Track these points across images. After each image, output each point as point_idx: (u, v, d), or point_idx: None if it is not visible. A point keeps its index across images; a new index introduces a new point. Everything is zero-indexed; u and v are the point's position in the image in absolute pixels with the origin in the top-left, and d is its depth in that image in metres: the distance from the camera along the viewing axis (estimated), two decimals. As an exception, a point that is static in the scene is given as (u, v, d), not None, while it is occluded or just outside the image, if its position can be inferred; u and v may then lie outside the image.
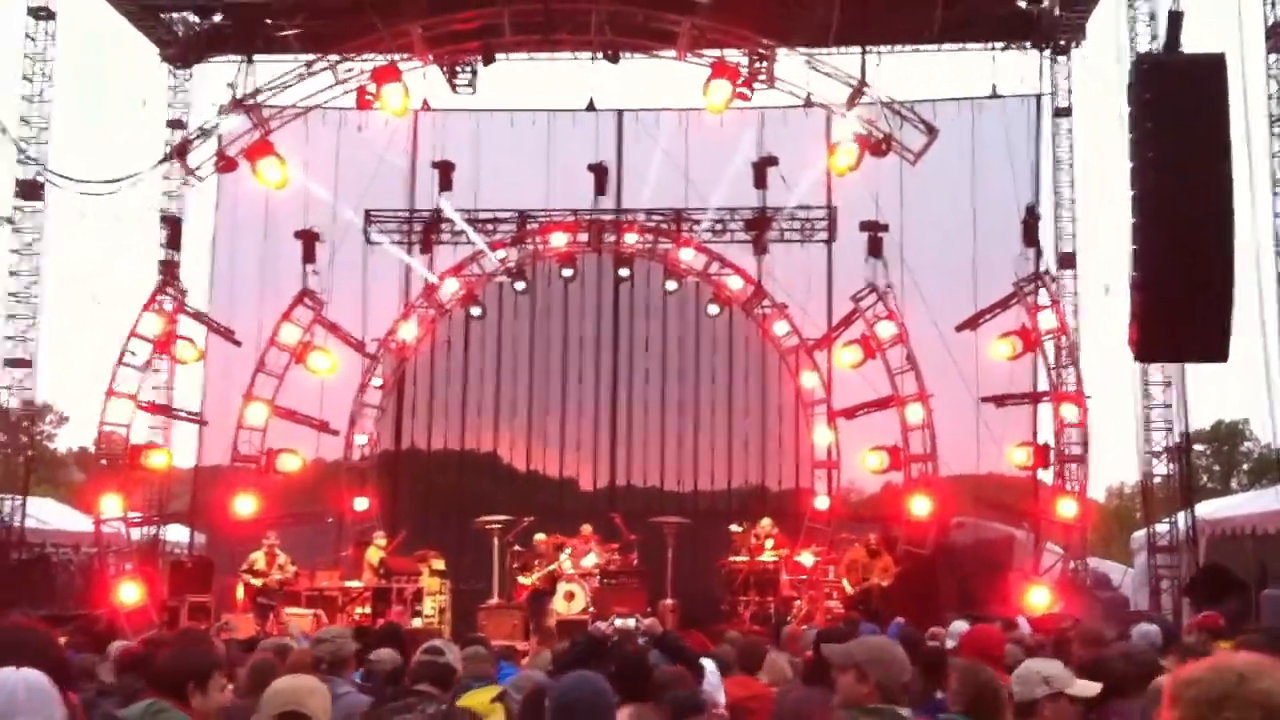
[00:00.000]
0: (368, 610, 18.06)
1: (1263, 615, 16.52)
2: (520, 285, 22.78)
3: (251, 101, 20.04)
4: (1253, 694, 1.96)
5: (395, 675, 6.74)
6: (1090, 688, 4.92)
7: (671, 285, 22.64)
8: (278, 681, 4.79)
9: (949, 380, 20.37)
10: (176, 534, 24.11)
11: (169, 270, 22.71)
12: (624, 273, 22.84)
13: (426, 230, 22.58)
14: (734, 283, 22.36)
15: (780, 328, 22.23)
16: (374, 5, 19.84)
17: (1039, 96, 22.61)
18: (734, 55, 19.42)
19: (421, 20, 19.40)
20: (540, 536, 19.12)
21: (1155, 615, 17.71)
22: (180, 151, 20.44)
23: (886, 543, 18.71)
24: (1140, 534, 23.75)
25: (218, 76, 23.01)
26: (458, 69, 21.50)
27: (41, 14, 21.79)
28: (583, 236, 22.60)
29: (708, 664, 7.65)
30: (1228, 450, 55.27)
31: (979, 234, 21.71)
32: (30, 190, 21.70)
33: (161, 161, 22.40)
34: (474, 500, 21.89)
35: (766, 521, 20.02)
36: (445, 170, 22.10)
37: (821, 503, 21.90)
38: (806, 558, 19.71)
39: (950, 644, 9.23)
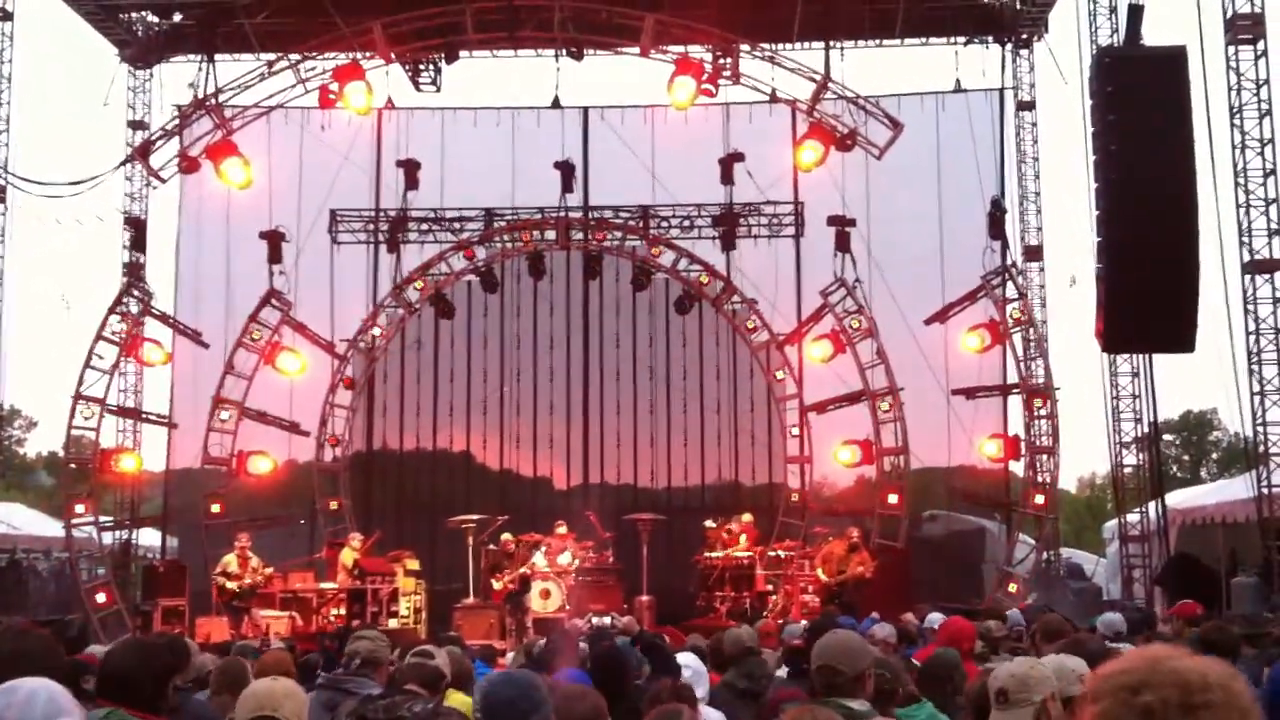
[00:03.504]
0: (343, 612, 18.00)
1: (1233, 603, 16.68)
2: (488, 284, 22.70)
3: (213, 101, 19.93)
4: (1167, 674, 2.03)
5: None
6: None
7: (640, 282, 22.63)
8: (253, 684, 4.75)
9: (919, 373, 20.49)
10: (148, 538, 24.01)
11: (134, 272, 22.58)
12: (592, 270, 22.82)
13: (393, 229, 22.51)
14: (703, 279, 22.37)
15: (750, 323, 22.25)
16: (335, 4, 19.78)
17: (1002, 90, 22.74)
18: (698, 51, 19.46)
19: (383, 18, 19.34)
20: (506, 536, 19.06)
21: (1127, 604, 17.87)
22: (142, 152, 20.31)
23: (862, 536, 18.76)
24: (1111, 524, 23.97)
25: (179, 77, 22.94)
26: (421, 67, 21.47)
27: (-1, 16, 21.61)
28: (550, 234, 22.56)
29: (687, 657, 7.65)
30: (1197, 440, 55.78)
31: (945, 228, 21.83)
32: (-9, 194, 21.51)
33: (124, 163, 22.26)
34: (447, 500, 21.87)
35: (747, 516, 20.06)
36: (410, 169, 22.02)
37: (794, 497, 21.93)
38: (780, 552, 19.75)
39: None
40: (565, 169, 21.66)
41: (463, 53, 20.86)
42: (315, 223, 22.42)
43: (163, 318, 21.15)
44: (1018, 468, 21.07)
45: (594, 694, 4.64)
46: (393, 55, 20.04)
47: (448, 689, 6.10)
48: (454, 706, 5.24)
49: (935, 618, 10.28)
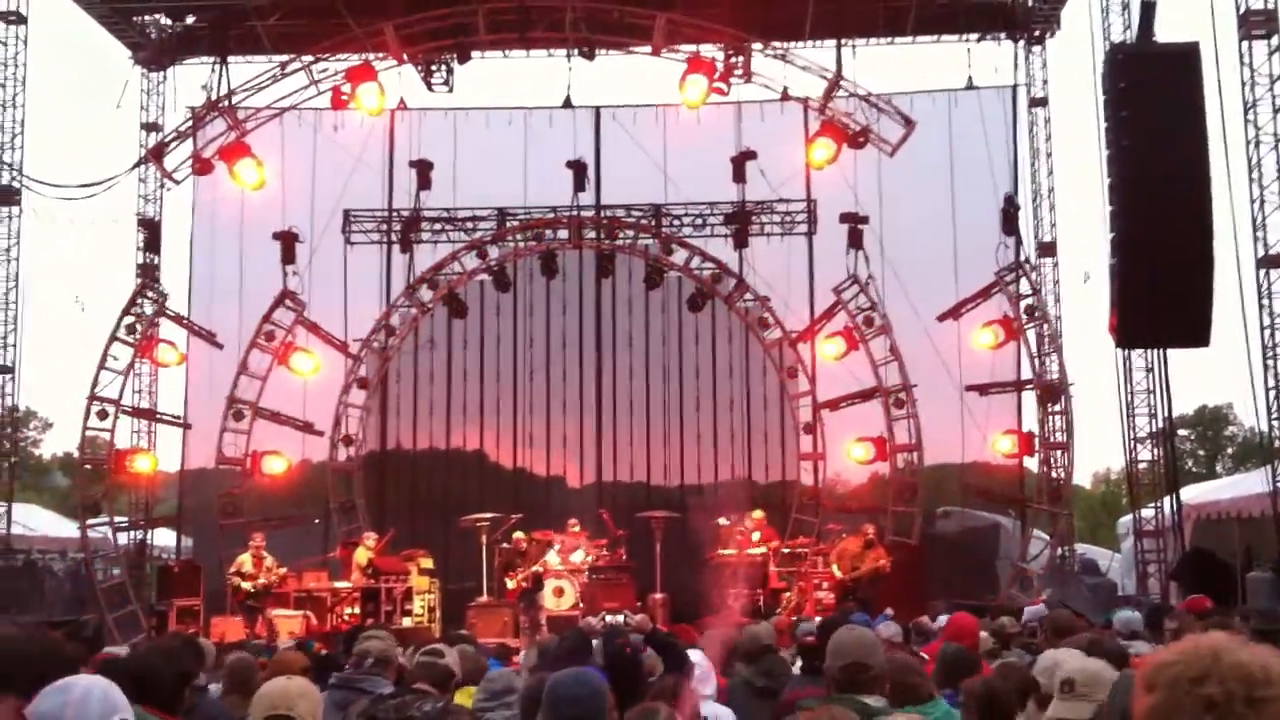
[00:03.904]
0: (357, 610, 18.05)
1: (1248, 598, 16.64)
2: (501, 283, 22.70)
3: (226, 103, 20.00)
4: (1230, 667, 2.03)
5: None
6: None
7: (653, 280, 22.61)
8: (268, 684, 4.77)
9: (932, 370, 20.46)
10: (163, 538, 24.07)
11: (148, 274, 22.67)
12: (605, 269, 22.82)
13: (406, 229, 22.55)
14: (715, 277, 22.36)
15: (763, 321, 22.24)
16: (348, 5, 19.83)
17: (1014, 87, 22.72)
18: (709, 50, 19.47)
19: (395, 19, 19.38)
20: (519, 534, 19.07)
21: (1142, 599, 17.84)
22: (156, 154, 20.38)
23: (878, 533, 18.75)
24: (1126, 519, 23.91)
25: (192, 79, 23.01)
26: (433, 68, 21.49)
27: (12, 19, 21.68)
28: (563, 233, 22.59)
29: (695, 654, 7.65)
30: (1212, 435, 55.53)
31: (958, 224, 21.80)
32: (5, 196, 21.61)
33: (137, 165, 22.33)
34: (461, 499, 21.87)
35: (759, 513, 20.04)
36: (423, 169, 22.06)
37: (808, 495, 21.91)
38: (794, 550, 19.75)
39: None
40: (577, 168, 21.70)
41: (475, 53, 20.89)
42: (328, 223, 22.47)
43: (177, 319, 21.23)
44: (1032, 463, 21.05)
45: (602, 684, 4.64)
46: (405, 56, 20.07)
47: (458, 687, 6.12)
48: (463, 705, 5.27)
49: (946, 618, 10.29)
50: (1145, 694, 2.08)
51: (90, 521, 19.81)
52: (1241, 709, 1.98)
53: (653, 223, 22.68)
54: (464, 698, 5.98)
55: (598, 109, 22.97)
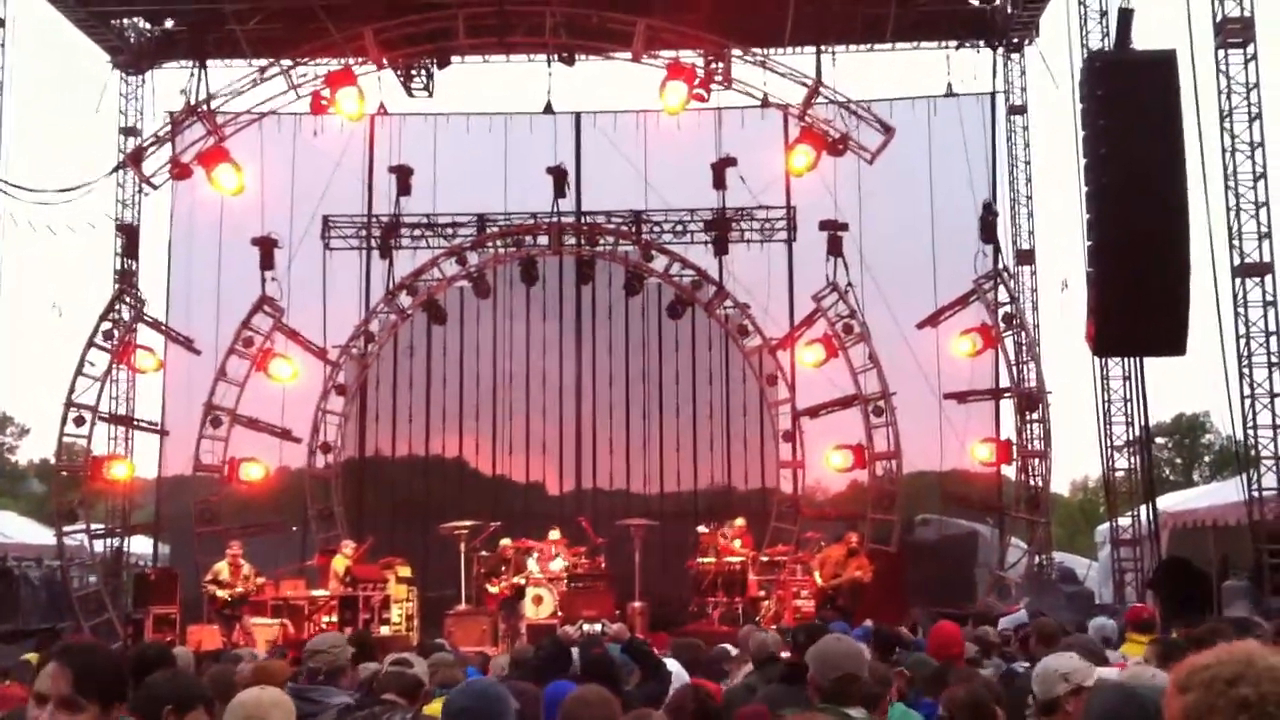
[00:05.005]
0: (334, 619, 17.96)
1: (1223, 607, 16.69)
2: (481, 289, 22.67)
3: (205, 108, 19.94)
4: (1265, 669, 2.06)
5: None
6: None
7: (632, 287, 22.61)
8: (242, 694, 4.73)
9: (911, 377, 20.51)
10: (140, 545, 23.94)
11: (126, 279, 22.55)
12: (584, 275, 22.81)
13: (385, 235, 22.50)
14: (695, 284, 22.35)
15: (743, 328, 22.25)
16: (327, 9, 19.79)
17: (993, 94, 22.79)
18: (690, 56, 19.51)
19: (375, 24, 19.35)
20: (505, 542, 19.04)
21: (1119, 608, 17.85)
22: (134, 159, 20.32)
23: (861, 541, 18.75)
24: (1104, 527, 23.97)
25: (171, 83, 22.93)
26: (413, 72, 21.48)
27: (-10, 23, 21.55)
28: (543, 240, 22.56)
29: (672, 664, 7.65)
30: (1189, 443, 55.72)
31: (937, 232, 21.86)
32: (-18, 201, 21.46)
33: (116, 169, 22.24)
34: (440, 506, 21.77)
35: (740, 521, 20.01)
36: (403, 175, 22.04)
37: (787, 502, 21.92)
38: (773, 558, 19.74)
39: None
40: (557, 174, 21.70)
41: (454, 58, 20.91)
42: (308, 229, 22.42)
43: (155, 324, 21.15)
44: (1010, 471, 21.11)
45: (609, 702, 4.60)
46: (384, 61, 20.05)
47: (429, 697, 6.07)
48: (433, 715, 5.23)
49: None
50: (1180, 695, 2.12)
51: (66, 528, 19.71)
52: (1274, 710, 2.02)
53: (633, 229, 22.68)
54: (439, 706, 5.94)
55: (578, 115, 22.98)
